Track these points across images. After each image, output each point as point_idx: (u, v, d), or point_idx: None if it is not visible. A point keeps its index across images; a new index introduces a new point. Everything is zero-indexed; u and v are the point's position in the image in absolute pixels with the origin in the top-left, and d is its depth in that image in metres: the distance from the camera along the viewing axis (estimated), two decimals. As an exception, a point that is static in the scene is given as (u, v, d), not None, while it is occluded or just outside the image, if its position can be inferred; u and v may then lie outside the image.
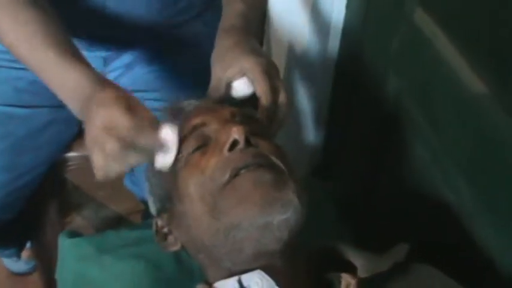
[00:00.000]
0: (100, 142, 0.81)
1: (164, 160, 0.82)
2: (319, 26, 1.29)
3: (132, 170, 1.35)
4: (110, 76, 1.30)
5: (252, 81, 0.92)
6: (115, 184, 1.48)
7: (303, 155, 1.42)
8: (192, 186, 0.80)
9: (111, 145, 0.80)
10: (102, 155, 0.81)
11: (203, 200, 0.78)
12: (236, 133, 0.79)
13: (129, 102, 0.82)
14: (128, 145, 0.80)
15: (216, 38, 0.99)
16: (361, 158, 1.27)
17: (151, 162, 0.84)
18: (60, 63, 0.91)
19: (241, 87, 0.94)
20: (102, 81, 0.88)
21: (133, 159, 0.82)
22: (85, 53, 1.24)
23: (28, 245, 1.68)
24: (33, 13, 0.95)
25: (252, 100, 0.94)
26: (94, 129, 0.81)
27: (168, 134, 0.82)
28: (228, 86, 0.95)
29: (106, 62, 1.29)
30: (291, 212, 0.75)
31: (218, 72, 0.95)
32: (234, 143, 0.79)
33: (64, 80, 0.90)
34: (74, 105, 0.90)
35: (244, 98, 0.95)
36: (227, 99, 0.95)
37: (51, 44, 0.92)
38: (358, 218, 1.18)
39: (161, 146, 0.82)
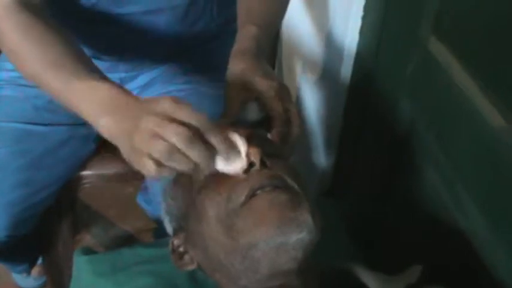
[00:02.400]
0: (163, 128, 0.72)
1: (231, 167, 0.80)
2: (332, 50, 1.30)
3: (145, 189, 1.37)
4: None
5: (264, 104, 0.94)
6: (125, 203, 1.49)
7: (313, 176, 1.43)
8: (209, 207, 0.81)
9: (181, 130, 0.72)
10: (162, 142, 0.72)
11: (220, 221, 0.80)
12: (252, 155, 0.81)
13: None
14: (196, 137, 0.73)
15: (230, 61, 1.00)
16: (372, 181, 1.28)
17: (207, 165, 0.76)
18: (83, 77, 0.88)
19: (254, 110, 0.96)
20: (129, 92, 0.85)
21: (197, 155, 0.74)
22: (105, 71, 1.28)
23: (39, 262, 1.69)
24: (49, 33, 0.95)
25: (263, 123, 0.96)
26: (151, 118, 0.74)
27: (238, 138, 0.80)
28: (241, 108, 0.96)
29: (122, 82, 1.31)
30: (306, 231, 0.77)
31: (232, 95, 0.96)
32: (250, 165, 0.81)
33: (90, 93, 0.86)
34: (102, 122, 0.83)
35: (257, 120, 0.97)
36: (240, 122, 0.97)
37: (71, 61, 0.91)
38: (368, 239, 1.19)
39: (227, 145, 0.78)
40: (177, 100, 0.75)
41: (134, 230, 1.70)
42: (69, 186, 1.39)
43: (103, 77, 0.89)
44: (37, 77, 0.94)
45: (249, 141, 0.87)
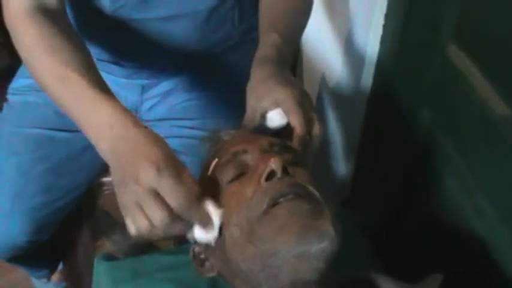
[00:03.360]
0: (145, 205, 0.77)
1: (206, 236, 0.82)
2: (353, 58, 1.30)
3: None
4: (147, 104, 1.34)
5: (286, 112, 0.94)
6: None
7: (332, 185, 1.43)
8: (230, 214, 0.81)
9: (160, 214, 0.76)
10: (144, 219, 0.77)
11: (241, 228, 0.80)
12: (274, 163, 0.81)
13: (178, 168, 0.78)
14: (175, 216, 0.78)
15: (251, 68, 1.00)
16: (391, 190, 1.27)
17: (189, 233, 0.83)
18: (91, 96, 0.87)
19: (275, 118, 0.96)
20: (136, 122, 0.84)
21: (176, 229, 0.80)
22: (124, 81, 1.30)
23: (59, 268, 1.70)
24: (63, 43, 0.94)
25: (285, 131, 0.96)
26: (136, 188, 0.77)
27: (212, 210, 0.82)
28: (263, 116, 0.96)
29: (144, 89, 1.32)
30: (327, 241, 0.77)
31: (253, 102, 0.97)
32: (272, 173, 0.81)
33: (95, 114, 0.85)
34: (102, 146, 0.84)
35: (278, 128, 0.97)
36: (261, 130, 0.97)
37: (83, 74, 0.89)
38: (388, 248, 1.19)
39: (203, 221, 0.81)
40: (160, 172, 0.77)
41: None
42: (90, 192, 1.40)
43: (109, 95, 0.88)
44: (43, 85, 0.94)
45: (271, 149, 0.87)
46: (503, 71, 0.88)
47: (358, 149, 1.39)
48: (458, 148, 1.02)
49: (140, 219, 0.77)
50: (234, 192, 0.82)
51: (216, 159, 0.89)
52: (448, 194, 1.06)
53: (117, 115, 0.84)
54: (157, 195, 0.77)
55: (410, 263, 1.14)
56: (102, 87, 0.89)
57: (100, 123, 0.84)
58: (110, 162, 0.83)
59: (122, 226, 1.64)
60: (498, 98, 0.89)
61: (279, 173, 0.80)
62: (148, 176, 0.76)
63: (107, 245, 1.63)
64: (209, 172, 0.89)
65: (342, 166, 1.44)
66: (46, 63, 0.92)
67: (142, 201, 0.77)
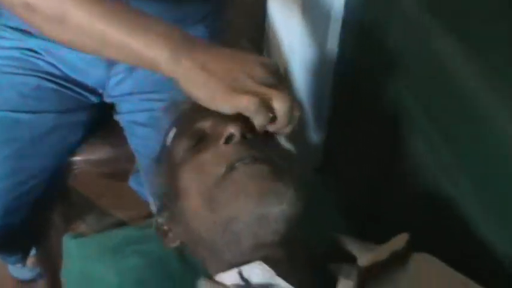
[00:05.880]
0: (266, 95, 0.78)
1: None
2: (318, 21, 1.29)
3: (137, 171, 1.37)
4: (114, 80, 1.33)
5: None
6: (118, 191, 1.49)
7: (304, 153, 1.42)
8: (189, 181, 0.81)
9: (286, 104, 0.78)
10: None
11: (200, 194, 0.79)
12: (232, 127, 0.80)
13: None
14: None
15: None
16: (362, 156, 1.27)
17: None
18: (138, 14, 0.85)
19: None
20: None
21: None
22: (89, 56, 1.27)
23: (33, 252, 1.69)
24: None
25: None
26: (250, 82, 0.78)
27: None
28: None
29: (109, 65, 1.30)
30: (286, 204, 0.76)
31: None
32: (230, 137, 0.80)
33: (147, 26, 0.82)
34: (166, 50, 0.80)
35: None
36: None
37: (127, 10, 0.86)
38: (359, 213, 1.19)
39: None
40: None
41: (128, 218, 1.71)
42: (60, 174, 1.39)
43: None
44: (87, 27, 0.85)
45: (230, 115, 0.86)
46: (467, 31, 0.88)
47: (329, 115, 1.39)
48: (426, 111, 1.02)
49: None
50: (192, 160, 0.82)
51: (175, 129, 0.88)
52: (417, 156, 1.06)
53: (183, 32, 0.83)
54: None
55: (382, 226, 1.14)
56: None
57: (156, 30, 0.82)
58: (198, 77, 0.80)
59: (96, 208, 1.63)
60: (462, 58, 0.89)
61: (237, 137, 0.80)
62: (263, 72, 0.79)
63: (82, 228, 1.62)
64: (168, 142, 0.88)
65: (313, 133, 1.44)
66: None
67: (259, 90, 0.78)
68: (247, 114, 0.77)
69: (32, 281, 1.76)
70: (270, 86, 0.78)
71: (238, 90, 0.77)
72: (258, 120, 0.78)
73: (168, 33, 0.81)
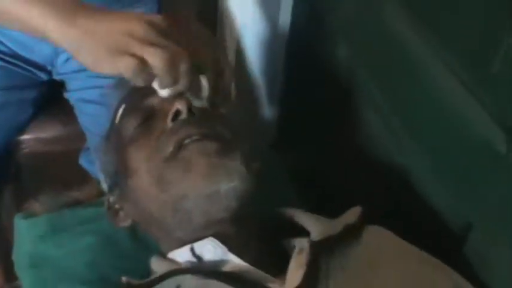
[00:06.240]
0: (142, 50, 0.74)
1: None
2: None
3: (87, 149, 1.35)
4: (63, 57, 1.30)
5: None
6: (72, 169, 1.47)
7: (257, 128, 1.42)
8: (139, 160, 0.80)
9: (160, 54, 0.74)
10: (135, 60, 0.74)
11: (150, 173, 0.78)
12: (179, 103, 0.79)
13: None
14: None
15: None
16: (316, 131, 1.27)
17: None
18: None
19: None
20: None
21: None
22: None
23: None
24: None
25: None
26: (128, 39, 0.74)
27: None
28: None
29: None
30: (237, 180, 0.76)
31: None
32: (178, 113, 0.79)
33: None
34: (50, 20, 0.77)
35: None
36: None
37: None
38: (313, 188, 1.19)
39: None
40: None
41: (83, 196, 1.68)
42: (8, 153, 1.36)
43: None
44: None
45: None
46: (418, 3, 0.88)
47: (282, 91, 1.39)
48: (377, 81, 1.02)
49: (152, 49, 0.74)
50: (141, 137, 0.80)
51: (123, 106, 0.87)
52: (370, 130, 1.06)
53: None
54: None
55: (336, 200, 1.15)
56: None
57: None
58: (77, 35, 0.77)
59: (50, 187, 1.60)
60: (414, 30, 0.89)
61: (184, 113, 0.79)
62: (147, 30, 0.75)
63: (35, 207, 1.59)
64: (117, 120, 0.86)
65: (266, 109, 1.44)
66: None
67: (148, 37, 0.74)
68: (127, 76, 0.74)
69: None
70: (152, 44, 0.74)
71: (120, 52, 0.74)
72: (137, 82, 0.75)
73: (51, 2, 0.78)
